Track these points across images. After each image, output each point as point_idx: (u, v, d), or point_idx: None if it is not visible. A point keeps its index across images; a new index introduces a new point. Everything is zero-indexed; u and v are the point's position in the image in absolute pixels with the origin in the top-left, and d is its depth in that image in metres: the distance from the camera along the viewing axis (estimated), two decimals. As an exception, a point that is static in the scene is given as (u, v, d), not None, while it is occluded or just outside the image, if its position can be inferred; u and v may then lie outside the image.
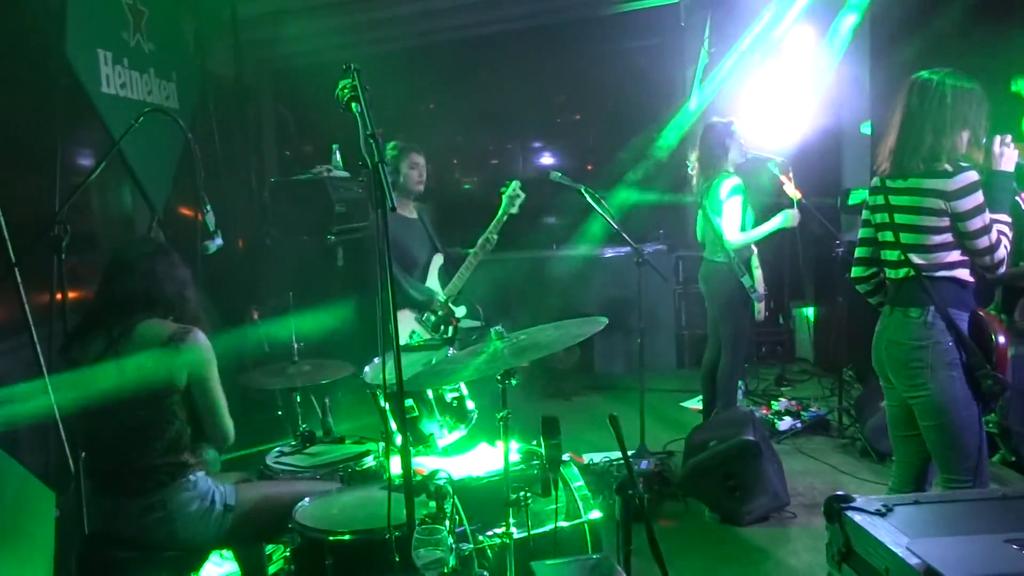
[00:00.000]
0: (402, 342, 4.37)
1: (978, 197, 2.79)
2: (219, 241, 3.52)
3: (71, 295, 3.31)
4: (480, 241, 4.64)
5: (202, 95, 5.28)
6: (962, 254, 2.87)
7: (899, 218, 2.94)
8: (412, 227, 4.74)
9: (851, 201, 6.29)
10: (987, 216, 2.79)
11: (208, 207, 3.44)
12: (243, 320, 4.79)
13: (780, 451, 4.72)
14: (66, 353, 2.73)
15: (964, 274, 2.88)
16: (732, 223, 4.80)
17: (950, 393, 2.84)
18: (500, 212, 4.66)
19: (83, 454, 2.99)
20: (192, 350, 2.66)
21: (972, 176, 2.79)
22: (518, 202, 4.66)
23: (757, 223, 4.95)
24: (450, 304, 4.65)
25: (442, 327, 4.59)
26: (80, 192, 3.38)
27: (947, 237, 2.85)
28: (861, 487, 4.52)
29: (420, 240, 4.75)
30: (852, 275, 3.25)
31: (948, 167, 2.83)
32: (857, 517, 1.60)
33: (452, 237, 5.12)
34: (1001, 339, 2.84)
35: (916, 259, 2.90)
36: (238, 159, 6.32)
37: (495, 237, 4.66)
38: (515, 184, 4.68)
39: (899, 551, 1.45)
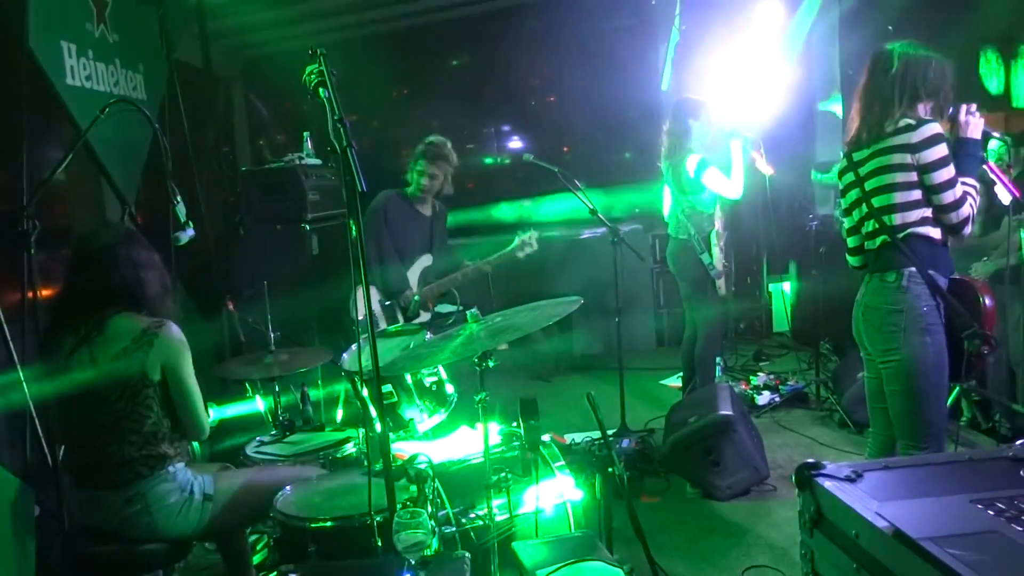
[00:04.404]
0: (361, 314, 4.41)
1: (943, 149, 2.80)
2: (191, 232, 3.49)
3: (42, 291, 3.27)
4: (474, 266, 4.71)
5: (170, 85, 5.21)
6: (933, 212, 2.87)
7: (868, 184, 2.96)
8: (418, 220, 4.75)
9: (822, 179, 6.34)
10: (952, 170, 2.81)
11: (178, 198, 3.41)
12: (217, 311, 4.76)
13: (759, 425, 4.77)
14: (46, 351, 2.71)
15: (936, 233, 2.88)
16: (725, 185, 4.83)
17: (921, 358, 2.86)
18: (507, 251, 4.73)
19: (61, 450, 2.97)
20: (166, 343, 2.65)
21: (936, 127, 2.82)
22: (528, 250, 4.72)
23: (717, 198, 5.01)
24: (420, 309, 4.67)
25: (398, 317, 4.60)
26: (48, 186, 3.33)
27: (916, 194, 2.86)
28: (840, 458, 4.57)
29: (420, 235, 4.76)
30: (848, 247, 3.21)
31: (911, 121, 2.85)
32: (827, 483, 1.62)
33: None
34: (988, 301, 2.87)
35: (887, 220, 2.91)
36: (209, 149, 6.26)
37: (489, 269, 4.71)
38: (533, 233, 4.74)
39: (868, 515, 1.47)
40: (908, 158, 2.84)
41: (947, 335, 2.88)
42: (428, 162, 4.67)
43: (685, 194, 4.92)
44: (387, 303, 4.60)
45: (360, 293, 4.44)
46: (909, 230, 2.89)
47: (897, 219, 2.90)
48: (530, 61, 8.51)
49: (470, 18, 7.61)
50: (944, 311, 2.87)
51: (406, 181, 4.78)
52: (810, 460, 1.69)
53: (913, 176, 2.85)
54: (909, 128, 2.84)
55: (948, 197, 2.82)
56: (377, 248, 4.55)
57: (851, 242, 3.14)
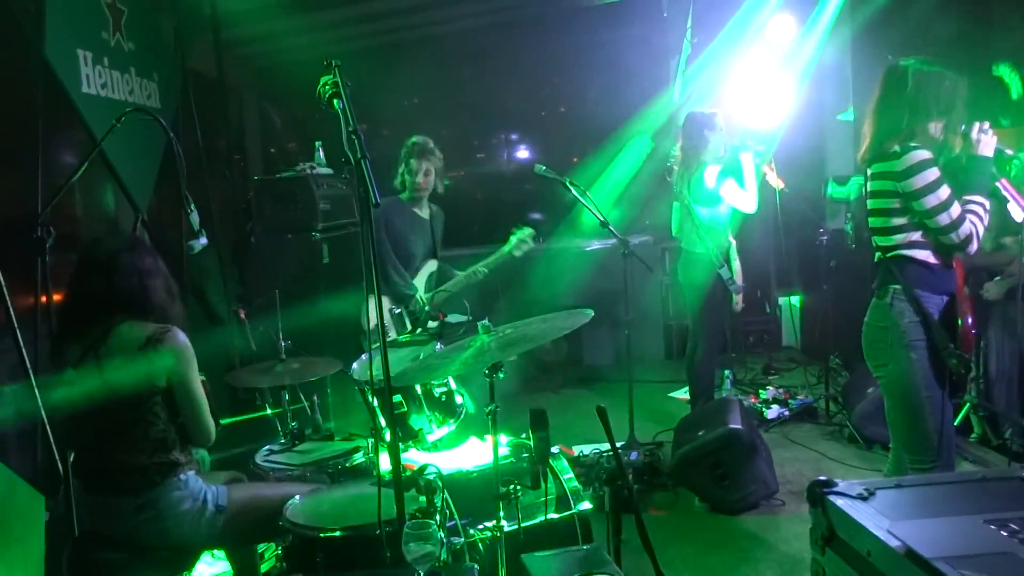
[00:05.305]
0: (373, 323, 4.41)
1: (929, 175, 2.80)
2: (204, 240, 3.49)
3: (55, 297, 3.28)
4: (469, 270, 4.68)
5: (184, 93, 5.25)
6: (923, 236, 2.89)
7: (869, 204, 3.02)
8: (418, 224, 4.74)
9: (832, 194, 6.34)
10: (943, 193, 2.80)
11: (192, 206, 3.42)
12: (229, 319, 4.77)
13: (768, 439, 4.76)
14: (56, 357, 2.72)
15: (926, 255, 2.90)
16: (741, 197, 4.82)
17: (908, 374, 2.89)
18: (504, 250, 4.67)
19: (72, 455, 2.98)
20: (171, 351, 2.65)
21: (921, 155, 2.81)
22: (524, 248, 4.68)
23: (735, 211, 4.99)
24: (427, 309, 4.65)
25: (407, 325, 4.59)
26: (63, 193, 3.35)
27: (904, 219, 2.89)
28: (849, 473, 4.56)
29: (422, 239, 4.75)
30: None
31: (897, 148, 2.86)
32: (839, 501, 1.62)
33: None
34: (968, 320, 2.89)
35: (880, 241, 2.96)
36: (222, 157, 6.30)
37: (485, 271, 4.68)
38: (529, 231, 4.69)
39: (880, 534, 1.47)
40: (892, 185, 2.88)
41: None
42: (418, 159, 4.61)
43: (701, 206, 4.90)
44: (396, 311, 4.60)
45: (372, 303, 4.47)
46: (897, 252, 2.93)
47: (888, 241, 2.95)
48: (541, 72, 8.54)
49: (481, 29, 7.64)
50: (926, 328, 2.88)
51: (399, 187, 4.74)
52: (822, 478, 1.69)
53: (899, 203, 2.88)
54: (895, 156, 2.86)
55: (943, 219, 2.82)
56: (380, 255, 4.54)
57: None
